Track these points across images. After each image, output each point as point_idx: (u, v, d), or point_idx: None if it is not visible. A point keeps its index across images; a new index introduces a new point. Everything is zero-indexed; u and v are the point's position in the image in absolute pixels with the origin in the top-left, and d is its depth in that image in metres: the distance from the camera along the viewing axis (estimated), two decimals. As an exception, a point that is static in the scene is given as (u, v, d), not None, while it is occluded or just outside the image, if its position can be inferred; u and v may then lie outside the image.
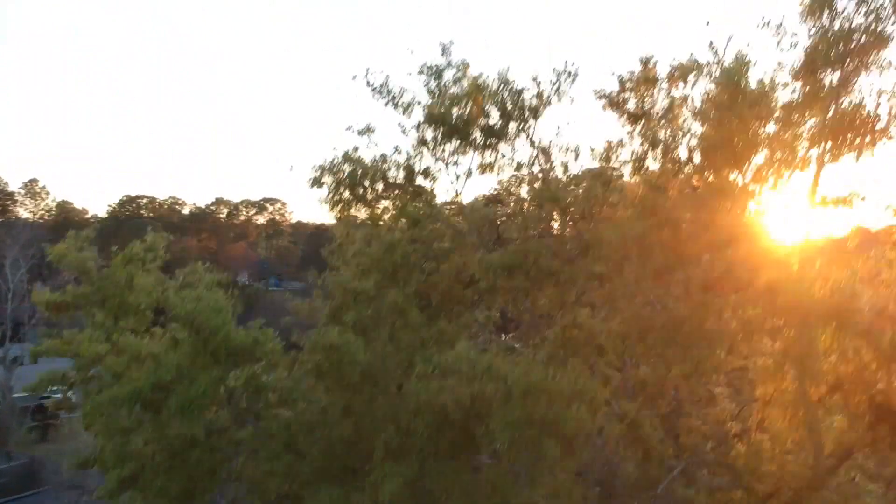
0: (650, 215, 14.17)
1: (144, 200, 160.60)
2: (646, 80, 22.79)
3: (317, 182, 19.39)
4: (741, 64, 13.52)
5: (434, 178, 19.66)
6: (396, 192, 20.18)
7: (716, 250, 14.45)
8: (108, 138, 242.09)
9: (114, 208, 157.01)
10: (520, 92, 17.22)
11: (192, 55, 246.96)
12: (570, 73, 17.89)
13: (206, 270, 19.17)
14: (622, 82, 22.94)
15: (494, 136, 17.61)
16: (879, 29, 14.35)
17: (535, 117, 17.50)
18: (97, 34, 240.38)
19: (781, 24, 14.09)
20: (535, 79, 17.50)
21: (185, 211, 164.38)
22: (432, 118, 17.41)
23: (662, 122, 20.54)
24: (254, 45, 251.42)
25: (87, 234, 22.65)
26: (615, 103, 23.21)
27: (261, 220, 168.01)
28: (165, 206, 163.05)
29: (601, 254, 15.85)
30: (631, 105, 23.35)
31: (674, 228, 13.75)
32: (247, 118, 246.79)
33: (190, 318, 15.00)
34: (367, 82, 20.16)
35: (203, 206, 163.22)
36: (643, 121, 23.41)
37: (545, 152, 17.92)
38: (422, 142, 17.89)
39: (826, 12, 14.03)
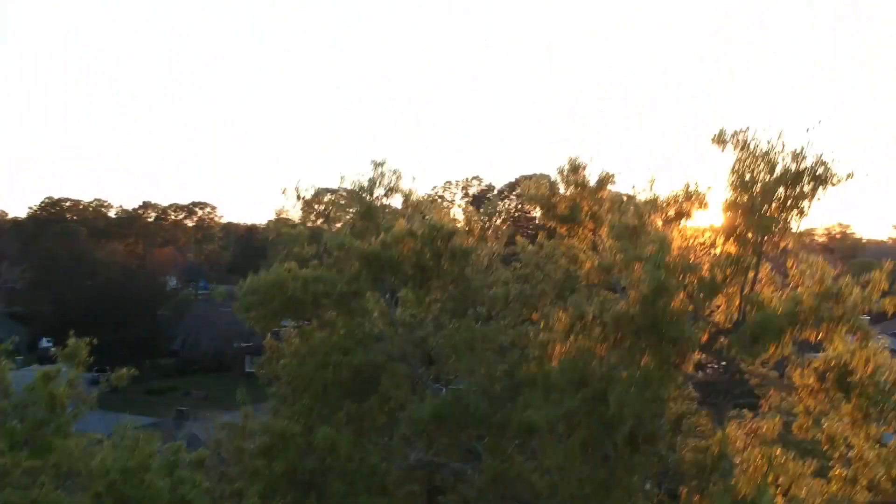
0: (580, 387, 14.37)
1: (68, 203, 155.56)
2: (576, 185, 23.16)
3: (247, 308, 19.16)
4: (663, 250, 13.75)
5: (366, 301, 19.59)
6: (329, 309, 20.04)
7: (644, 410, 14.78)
8: (31, 140, 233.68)
9: (35, 211, 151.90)
10: (450, 235, 17.21)
11: (117, 57, 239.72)
12: (500, 212, 18.01)
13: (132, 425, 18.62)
14: (553, 186, 23.30)
15: (426, 273, 17.60)
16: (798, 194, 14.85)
17: (466, 259, 17.55)
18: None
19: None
20: (468, 219, 17.61)
21: (112, 214, 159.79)
22: (364, 257, 17.33)
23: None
24: (180, 48, 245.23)
25: (3, 346, 21.88)
26: (547, 207, 23.54)
27: (190, 223, 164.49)
28: (90, 209, 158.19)
29: (531, 398, 16.03)
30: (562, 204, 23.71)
31: (603, 402, 13.96)
32: (175, 122, 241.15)
33: (114, 487, 14.62)
34: (298, 195, 20.00)
35: (130, 210, 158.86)
36: (573, 225, 23.80)
37: (478, 290, 18.03)
38: (354, 277, 17.78)
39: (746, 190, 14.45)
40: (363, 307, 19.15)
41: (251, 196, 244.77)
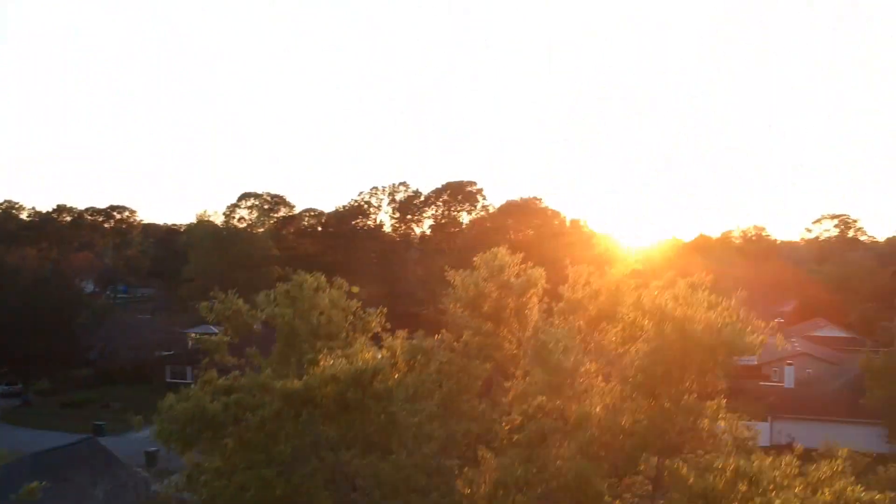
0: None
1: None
2: (500, 286, 23.48)
3: (166, 437, 18.84)
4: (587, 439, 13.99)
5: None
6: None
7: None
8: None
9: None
10: (375, 373, 17.17)
11: (31, 55, 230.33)
12: (423, 349, 18.10)
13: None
14: (478, 287, 23.60)
15: (349, 410, 17.53)
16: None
17: (390, 398, 17.54)
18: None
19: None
20: (393, 355, 17.64)
21: (24, 216, 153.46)
22: (286, 397, 17.17)
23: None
24: (94, 45, 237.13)
25: None
26: (473, 306, 23.81)
27: (108, 226, 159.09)
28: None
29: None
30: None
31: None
32: (91, 122, 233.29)
33: None
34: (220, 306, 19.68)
35: (43, 213, 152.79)
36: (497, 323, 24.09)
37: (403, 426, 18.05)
38: (276, 414, 17.61)
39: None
40: (285, 433, 18.97)
41: (170, 194, 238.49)
